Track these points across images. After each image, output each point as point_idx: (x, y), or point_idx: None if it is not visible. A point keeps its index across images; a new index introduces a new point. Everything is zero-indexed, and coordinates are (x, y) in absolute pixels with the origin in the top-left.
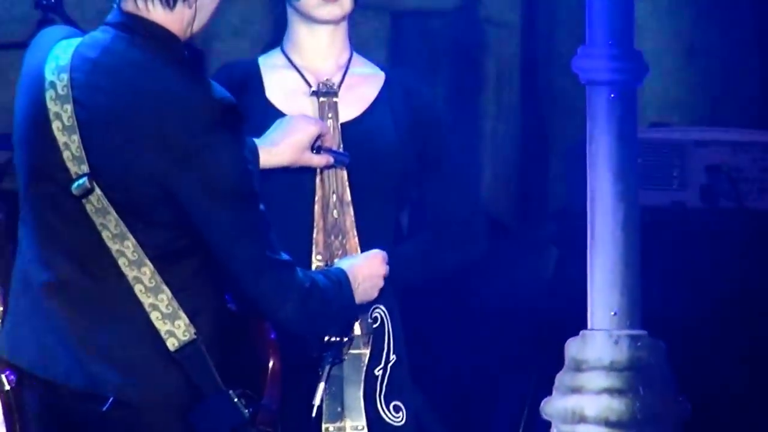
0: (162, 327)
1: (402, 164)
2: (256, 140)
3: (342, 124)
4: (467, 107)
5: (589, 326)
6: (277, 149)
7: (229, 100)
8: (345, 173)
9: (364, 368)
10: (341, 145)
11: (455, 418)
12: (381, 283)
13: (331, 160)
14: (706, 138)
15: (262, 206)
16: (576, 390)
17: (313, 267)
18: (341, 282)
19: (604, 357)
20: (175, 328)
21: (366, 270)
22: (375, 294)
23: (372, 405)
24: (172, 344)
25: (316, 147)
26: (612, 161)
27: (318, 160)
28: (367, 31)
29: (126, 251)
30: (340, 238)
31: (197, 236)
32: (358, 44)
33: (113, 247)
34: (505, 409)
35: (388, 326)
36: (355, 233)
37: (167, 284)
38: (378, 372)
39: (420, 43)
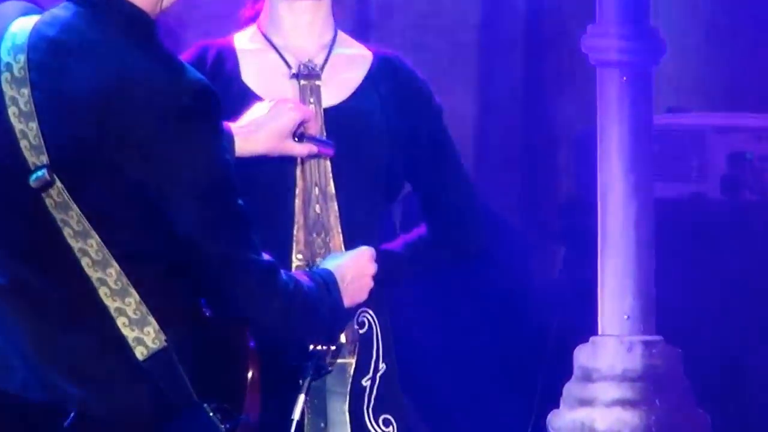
0: (129, 334)
1: (391, 154)
2: (232, 126)
3: (325, 110)
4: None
5: (599, 332)
6: (254, 136)
7: (203, 85)
8: (328, 163)
9: (350, 379)
10: (324, 133)
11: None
12: (370, 284)
13: (315, 149)
14: (728, 124)
15: (241, 201)
16: (585, 402)
17: (293, 267)
18: (327, 284)
19: (615, 365)
20: (143, 335)
21: (354, 270)
22: (364, 296)
23: (359, 419)
24: (140, 353)
25: (298, 134)
26: (624, 150)
27: (300, 149)
28: None
29: (89, 250)
30: (323, 235)
31: (168, 234)
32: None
33: (75, 245)
34: (507, 423)
35: (376, 332)
36: (340, 230)
37: (135, 287)
38: (365, 383)
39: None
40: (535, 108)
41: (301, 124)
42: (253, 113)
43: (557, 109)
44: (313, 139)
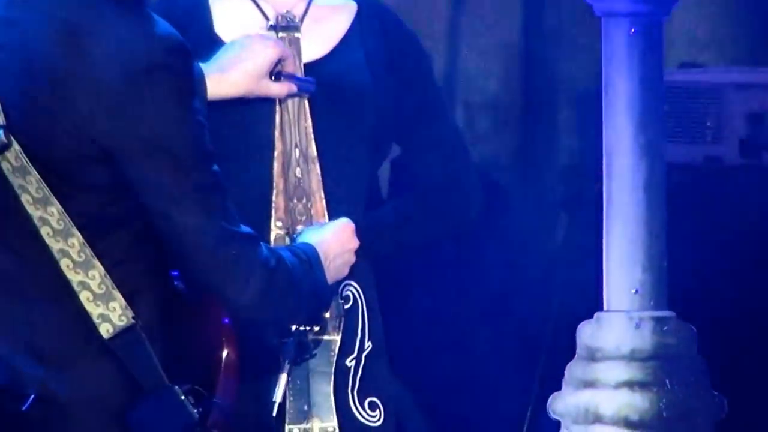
0: (94, 310)
1: (378, 112)
2: (204, 66)
3: (305, 65)
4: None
5: (604, 307)
6: (228, 77)
7: (174, 38)
8: (310, 123)
9: (335, 358)
10: (303, 72)
11: (445, 417)
12: (353, 259)
13: (294, 88)
14: (747, 81)
15: (215, 167)
16: (590, 384)
17: (272, 236)
18: (311, 260)
19: (623, 344)
20: (109, 311)
21: (337, 245)
22: (346, 272)
23: (343, 402)
24: (105, 330)
25: (275, 73)
26: (633, 110)
27: (278, 88)
28: None
29: (50, 219)
30: (304, 201)
31: (136, 202)
32: None
33: (34, 213)
34: (505, 407)
35: (362, 307)
36: (323, 195)
37: (100, 258)
38: (350, 362)
39: None
40: (533, 64)
41: (279, 62)
42: (225, 53)
43: (558, 65)
44: (291, 77)
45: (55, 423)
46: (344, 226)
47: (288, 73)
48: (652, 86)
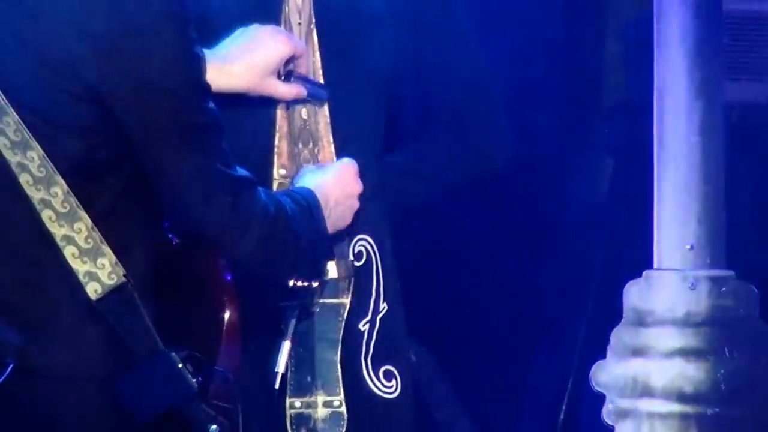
0: (80, 267)
1: (395, 45)
2: (206, 52)
3: None
4: None
5: (654, 265)
6: (231, 68)
7: None
8: (318, 59)
9: (343, 323)
10: (320, 74)
11: (472, 389)
12: (356, 205)
13: (304, 92)
14: None
15: (212, 105)
16: (638, 351)
17: (275, 185)
18: (310, 207)
19: (676, 307)
20: (97, 269)
21: (338, 189)
22: (348, 220)
23: (355, 371)
24: (93, 290)
25: (285, 72)
26: (687, 42)
27: (285, 90)
28: None
29: (29, 165)
30: (310, 145)
31: (125, 144)
32: None
33: (12, 159)
34: (543, 377)
35: (376, 265)
36: (331, 139)
37: (86, 209)
38: (363, 327)
39: None
40: None
41: (291, 60)
42: (232, 41)
43: None
44: (303, 80)
45: (36, 395)
46: (346, 167)
47: (300, 74)
48: (709, 15)
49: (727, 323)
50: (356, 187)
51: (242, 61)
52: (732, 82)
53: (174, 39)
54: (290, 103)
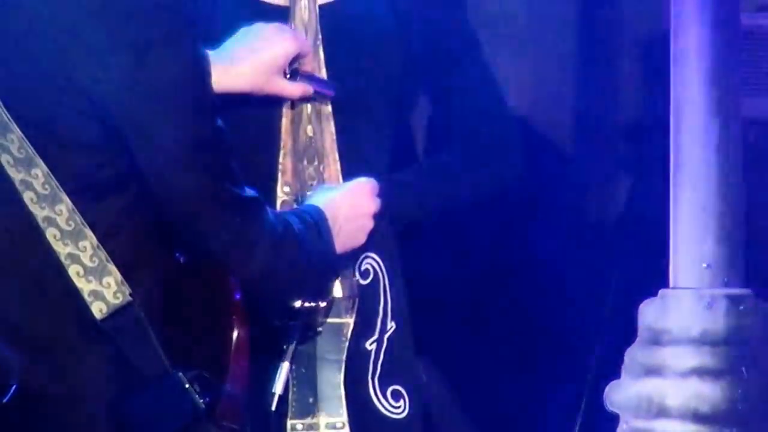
0: (85, 286)
1: (403, 61)
2: (210, 53)
3: (321, 6)
4: None
5: (671, 284)
6: (237, 69)
7: None
8: (324, 74)
9: (346, 343)
10: (324, 69)
11: (483, 409)
12: (369, 225)
13: (311, 90)
14: None
15: (219, 122)
16: (654, 371)
17: (279, 203)
18: (318, 225)
19: (692, 326)
20: (102, 288)
21: (348, 207)
22: (360, 239)
23: (361, 391)
24: (98, 310)
25: (291, 71)
26: (704, 59)
27: (292, 88)
28: None
29: (34, 183)
30: (315, 162)
31: (131, 162)
32: None
33: (16, 177)
34: (556, 398)
35: (383, 283)
36: (337, 156)
37: (91, 227)
38: (370, 346)
39: None
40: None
41: (296, 58)
42: (236, 41)
43: (620, 6)
44: (309, 78)
45: (40, 417)
46: (360, 185)
47: (306, 72)
48: (727, 31)
49: (745, 343)
50: (369, 206)
51: (249, 62)
52: (750, 99)
53: (181, 56)
54: (296, 102)
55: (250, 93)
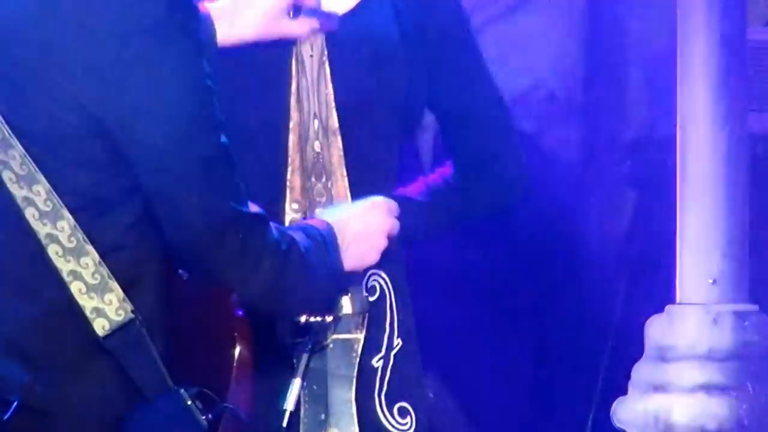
0: (87, 303)
1: (409, 76)
2: (214, 8)
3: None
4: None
5: (677, 299)
6: (242, 20)
7: None
8: (330, 91)
9: (357, 359)
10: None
11: (489, 426)
12: (382, 243)
13: (316, 24)
14: None
15: (224, 139)
16: (660, 387)
17: (287, 220)
18: (325, 240)
19: (699, 342)
20: (104, 305)
21: (359, 224)
22: (373, 258)
23: (369, 408)
24: (100, 327)
25: (294, 9)
26: (711, 73)
27: (298, 26)
28: None
29: (36, 199)
30: (323, 179)
31: (134, 179)
32: None
33: (18, 193)
34: (563, 414)
35: (390, 299)
36: (345, 173)
37: (93, 244)
38: (376, 363)
39: None
40: (599, 19)
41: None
42: None
43: (627, 23)
44: (312, 13)
45: None
46: (377, 203)
47: (309, 7)
48: (733, 46)
49: (751, 358)
50: (383, 223)
51: (255, 9)
52: (756, 114)
53: (185, 73)
54: (301, 42)
55: (259, 40)
